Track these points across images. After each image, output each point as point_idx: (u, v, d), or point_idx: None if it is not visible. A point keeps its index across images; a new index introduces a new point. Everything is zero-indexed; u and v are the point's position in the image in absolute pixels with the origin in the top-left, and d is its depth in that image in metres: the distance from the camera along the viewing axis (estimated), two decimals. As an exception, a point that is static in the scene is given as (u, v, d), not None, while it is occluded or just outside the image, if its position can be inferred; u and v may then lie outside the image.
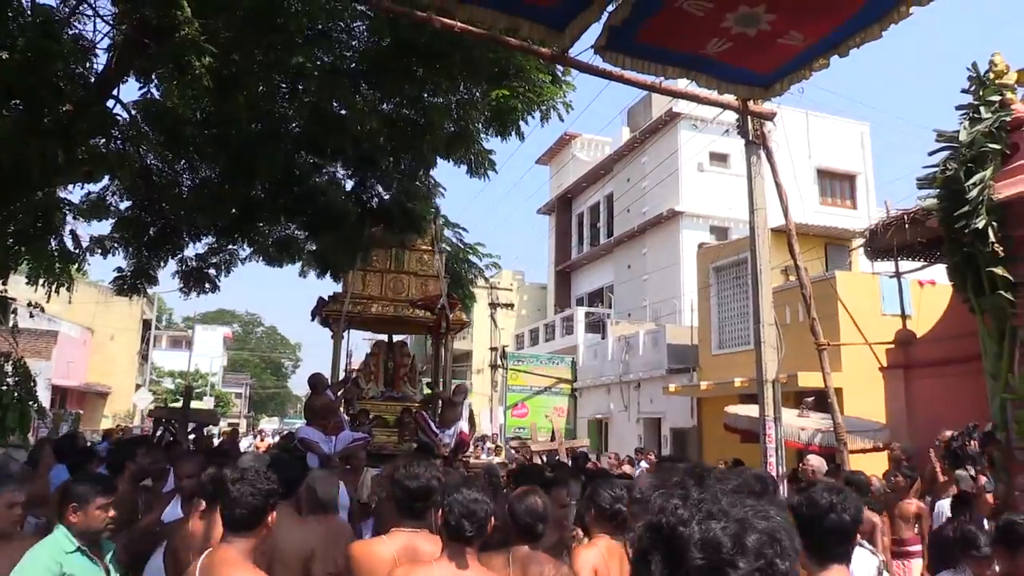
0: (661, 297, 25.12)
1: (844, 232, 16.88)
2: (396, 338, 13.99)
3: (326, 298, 12.49)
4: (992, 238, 7.29)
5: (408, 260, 12.44)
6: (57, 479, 6.09)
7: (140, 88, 8.24)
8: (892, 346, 10.60)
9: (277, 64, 7.29)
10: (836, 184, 27.17)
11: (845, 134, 26.89)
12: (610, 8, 5.56)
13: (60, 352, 25.80)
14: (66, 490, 3.51)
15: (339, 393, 9.94)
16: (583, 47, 6.24)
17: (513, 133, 8.93)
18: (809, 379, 9.58)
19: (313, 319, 12.80)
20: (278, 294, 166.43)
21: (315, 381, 9.89)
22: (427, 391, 13.49)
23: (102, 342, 32.77)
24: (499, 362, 26.26)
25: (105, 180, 9.13)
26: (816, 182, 26.23)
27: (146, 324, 37.68)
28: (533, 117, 8.78)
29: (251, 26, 6.56)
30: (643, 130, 27.35)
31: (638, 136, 27.71)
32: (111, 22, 8.12)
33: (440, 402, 11.43)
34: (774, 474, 7.35)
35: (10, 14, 6.27)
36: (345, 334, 12.80)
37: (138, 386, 35.75)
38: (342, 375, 12.41)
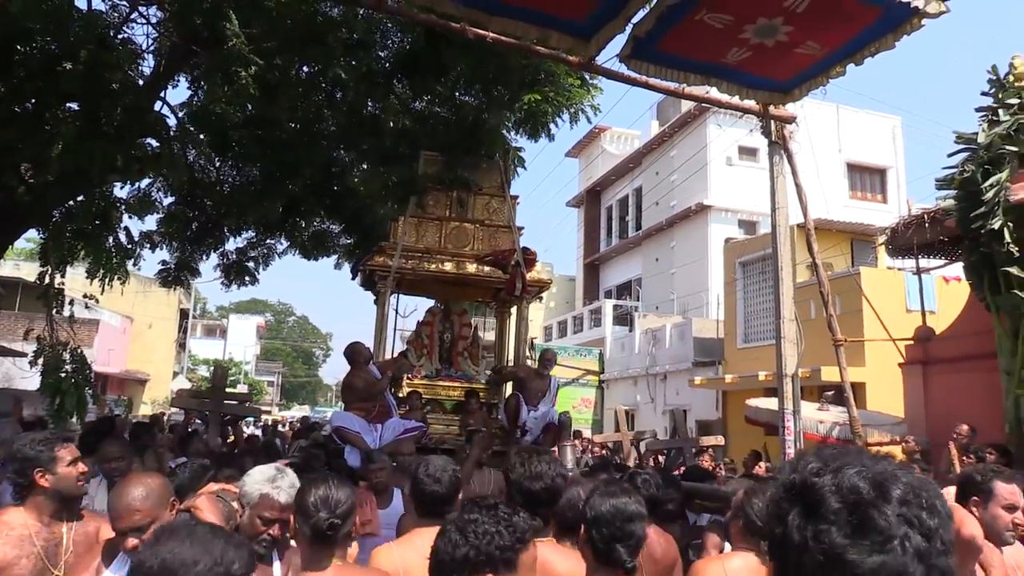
0: (688, 291, 25.28)
1: (870, 228, 16.98)
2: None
3: (372, 250, 10.02)
4: (1008, 238, 7.48)
5: (473, 206, 9.88)
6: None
7: (190, 93, 8.64)
8: (911, 342, 10.79)
9: (317, 74, 7.67)
10: (866, 178, 27.09)
11: (876, 128, 26.80)
12: (635, 20, 5.87)
13: (101, 340, 26.60)
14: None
15: (388, 373, 7.97)
16: (609, 54, 6.58)
17: (543, 135, 9.28)
18: (831, 373, 9.80)
19: (354, 277, 10.67)
20: (309, 285, 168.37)
21: (353, 352, 7.82)
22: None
23: (141, 330, 33.65)
24: (527, 354, 26.57)
25: (149, 178, 9.62)
26: (846, 176, 26.20)
27: (183, 313, 38.59)
28: (563, 119, 9.12)
29: (293, 38, 6.95)
30: (672, 124, 27.47)
31: (667, 130, 27.83)
32: (159, 29, 8.58)
33: (511, 383, 9.52)
34: (791, 465, 7.68)
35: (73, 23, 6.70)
36: (393, 299, 10.44)
37: (175, 373, 36.70)
38: (389, 351, 10.24)
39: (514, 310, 10.42)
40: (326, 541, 2.56)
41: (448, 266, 9.41)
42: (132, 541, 2.53)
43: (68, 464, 3.05)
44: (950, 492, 3.57)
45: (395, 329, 11.68)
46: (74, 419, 8.50)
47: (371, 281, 9.62)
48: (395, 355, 9.89)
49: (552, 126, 9.01)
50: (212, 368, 13.57)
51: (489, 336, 13.50)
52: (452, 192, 9.69)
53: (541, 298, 11.06)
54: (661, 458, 10.04)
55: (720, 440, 10.89)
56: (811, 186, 8.48)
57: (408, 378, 9.29)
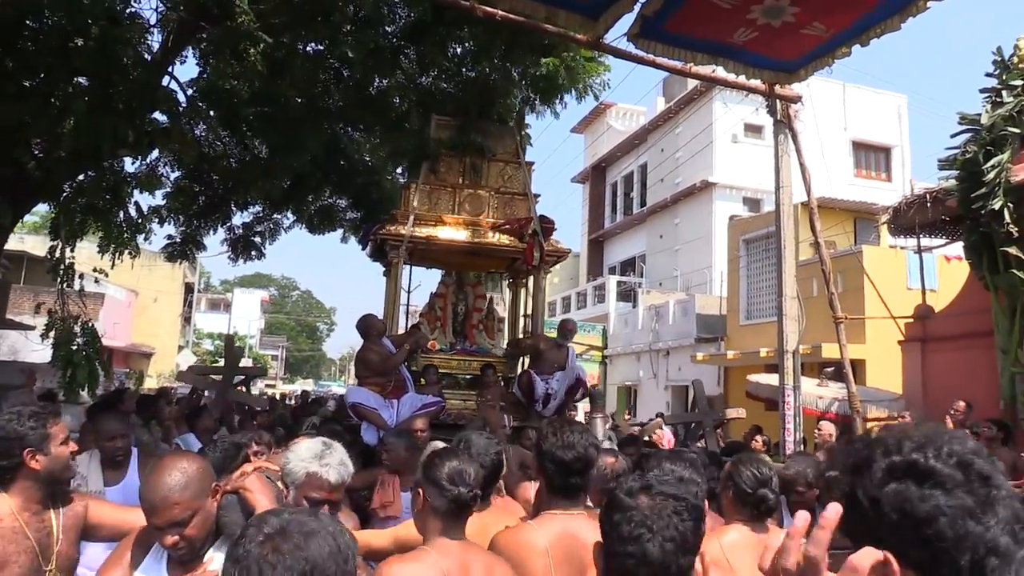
0: (692, 267, 25.36)
1: (873, 206, 17.02)
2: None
3: (391, 213, 9.65)
4: (1008, 219, 7.58)
5: (487, 172, 9.44)
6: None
7: (199, 69, 8.68)
8: (911, 320, 10.91)
9: (324, 52, 7.71)
10: (871, 156, 27.04)
11: (882, 106, 26.70)
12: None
13: (106, 314, 26.74)
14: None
15: (405, 346, 7.65)
16: (617, 33, 6.62)
17: (553, 106, 9.36)
18: (832, 350, 9.89)
19: (364, 247, 10.21)
20: (313, 259, 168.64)
21: (367, 325, 7.56)
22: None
23: (146, 304, 33.81)
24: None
25: (156, 152, 9.69)
26: (851, 154, 26.15)
27: (188, 287, 38.73)
28: (571, 96, 9.19)
29: (301, 14, 6.99)
30: (678, 101, 27.39)
31: (673, 107, 27.75)
32: (167, 3, 8.60)
33: (528, 357, 9.25)
34: (790, 439, 7.82)
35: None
36: (405, 270, 9.95)
37: (180, 347, 36.93)
38: (401, 326, 9.80)
39: (530, 281, 10.02)
40: (460, 516, 2.48)
41: (463, 235, 8.98)
42: (171, 538, 2.20)
43: (61, 443, 2.71)
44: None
45: (405, 304, 11.01)
46: (85, 391, 8.63)
47: (382, 251, 9.27)
48: (408, 328, 9.41)
49: (561, 101, 9.09)
50: (224, 341, 13.65)
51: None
52: (465, 158, 9.29)
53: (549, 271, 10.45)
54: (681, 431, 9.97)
55: (742, 412, 10.54)
56: (815, 164, 8.54)
57: (422, 351, 8.87)
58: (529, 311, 9.94)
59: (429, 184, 9.10)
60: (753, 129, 25.30)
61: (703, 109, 26.11)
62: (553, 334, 9.11)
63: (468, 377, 9.25)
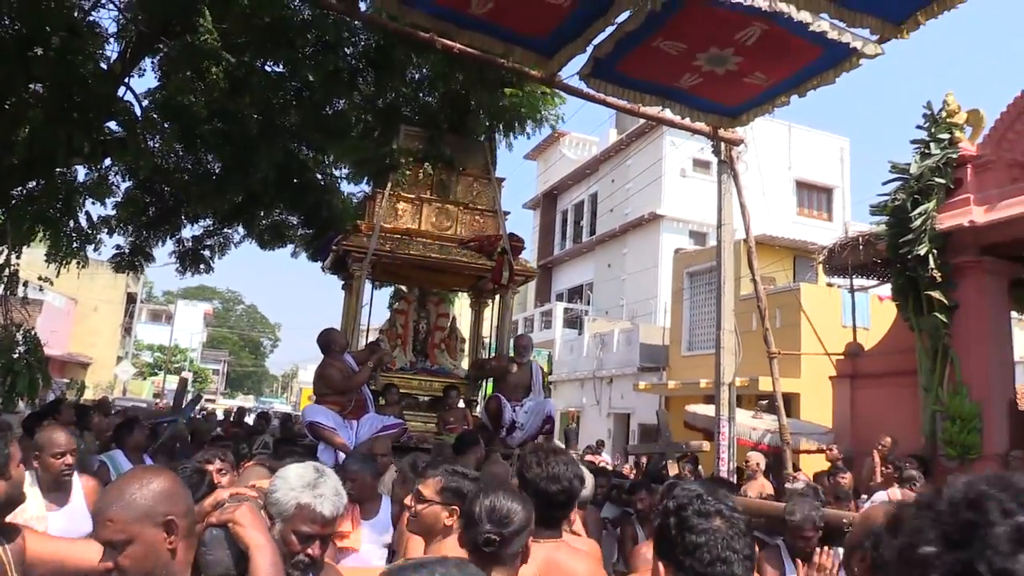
0: (638, 297, 25.79)
1: (812, 245, 17.64)
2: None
3: (345, 230, 9.07)
4: (932, 264, 8.04)
5: (455, 187, 9.18)
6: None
7: (157, 83, 8.72)
8: (842, 357, 11.37)
9: (285, 75, 7.82)
10: (814, 196, 27.90)
11: (825, 148, 27.65)
12: (595, 42, 6.21)
13: (44, 321, 26.08)
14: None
15: (369, 363, 7.22)
16: (570, 71, 6.91)
17: (511, 137, 9.60)
18: (768, 383, 10.23)
19: (323, 259, 9.76)
20: (259, 273, 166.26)
21: (329, 340, 7.11)
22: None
23: (86, 313, 33.07)
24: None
25: (108, 160, 9.66)
26: (795, 192, 26.97)
27: (130, 297, 37.98)
28: (528, 126, 9.45)
29: (265, 38, 7.11)
30: (629, 133, 27.96)
31: (624, 139, 28.32)
32: (125, 15, 8.63)
33: (493, 379, 8.88)
34: (724, 468, 8.09)
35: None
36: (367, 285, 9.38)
37: (120, 358, 36.11)
38: (361, 343, 9.29)
39: (495, 300, 9.80)
40: (486, 557, 2.25)
41: (432, 251, 8.66)
42: (104, 562, 1.83)
43: (19, 463, 2.32)
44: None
45: (366, 322, 10.52)
46: (22, 402, 8.50)
47: (342, 264, 8.89)
48: (367, 344, 8.87)
49: (523, 131, 9.33)
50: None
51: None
52: (433, 171, 9.02)
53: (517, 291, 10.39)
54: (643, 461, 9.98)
55: (706, 446, 10.25)
56: (758, 202, 8.94)
57: (382, 370, 8.45)
58: (489, 332, 9.78)
59: (395, 196, 8.78)
60: (701, 164, 25.92)
61: (654, 143, 26.70)
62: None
63: (428, 398, 8.98)
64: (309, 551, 2.19)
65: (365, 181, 10.08)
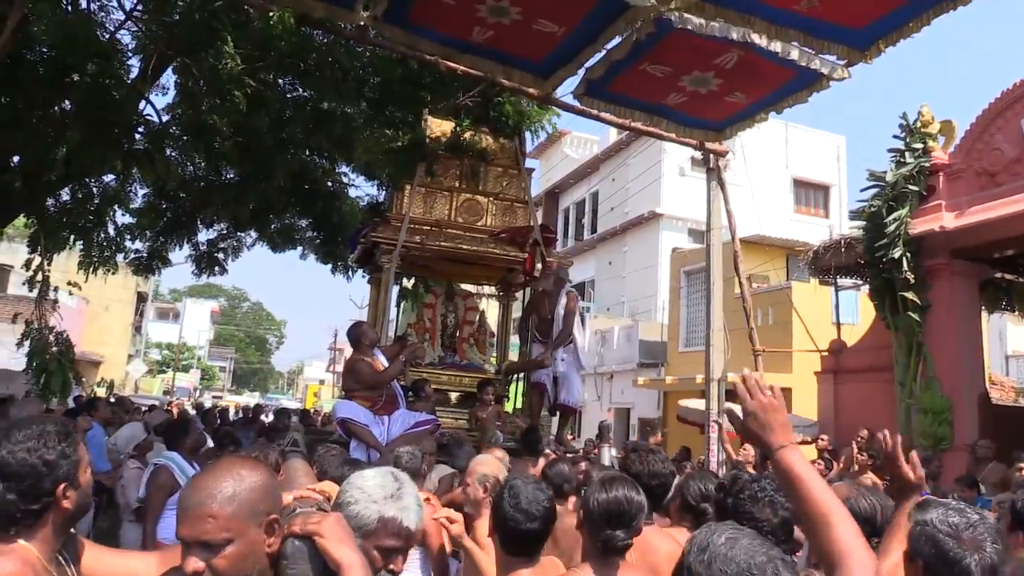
0: (638, 295, 26.26)
1: (803, 244, 18.15)
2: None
3: (375, 221, 8.82)
4: (906, 267, 8.59)
5: (485, 178, 8.95)
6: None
7: (176, 97, 9.22)
8: (826, 354, 11.92)
9: (308, 100, 8.28)
10: (811, 194, 28.34)
11: (822, 146, 28.10)
12: (587, 65, 6.75)
13: (58, 321, 26.69)
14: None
15: (401, 357, 6.90)
16: (566, 89, 7.47)
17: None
18: (758, 379, 10.78)
19: (352, 251, 9.56)
20: (266, 270, 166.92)
21: (359, 334, 6.91)
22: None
23: (97, 312, 33.65)
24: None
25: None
26: (792, 191, 27.43)
27: (140, 296, 38.58)
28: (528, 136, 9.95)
29: (286, 65, 7.61)
30: (628, 133, 28.39)
31: (624, 139, 28.77)
32: (146, 31, 9.11)
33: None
34: (714, 460, 8.63)
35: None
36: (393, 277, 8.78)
37: (130, 356, 36.74)
38: (391, 336, 8.77)
39: (521, 294, 9.64)
40: (605, 560, 2.37)
41: (463, 243, 8.45)
42: (194, 563, 1.58)
43: (87, 468, 2.00)
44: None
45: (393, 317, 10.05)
46: (57, 398, 9.06)
47: (369, 257, 8.66)
48: (397, 338, 8.52)
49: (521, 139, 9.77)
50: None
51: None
52: (462, 160, 8.82)
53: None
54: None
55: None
56: (753, 202, 9.45)
57: (412, 365, 8.06)
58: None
59: (425, 187, 8.60)
60: (699, 164, 26.19)
61: (653, 143, 27.12)
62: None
63: (458, 393, 8.78)
64: (391, 567, 1.99)
65: (386, 175, 9.76)
